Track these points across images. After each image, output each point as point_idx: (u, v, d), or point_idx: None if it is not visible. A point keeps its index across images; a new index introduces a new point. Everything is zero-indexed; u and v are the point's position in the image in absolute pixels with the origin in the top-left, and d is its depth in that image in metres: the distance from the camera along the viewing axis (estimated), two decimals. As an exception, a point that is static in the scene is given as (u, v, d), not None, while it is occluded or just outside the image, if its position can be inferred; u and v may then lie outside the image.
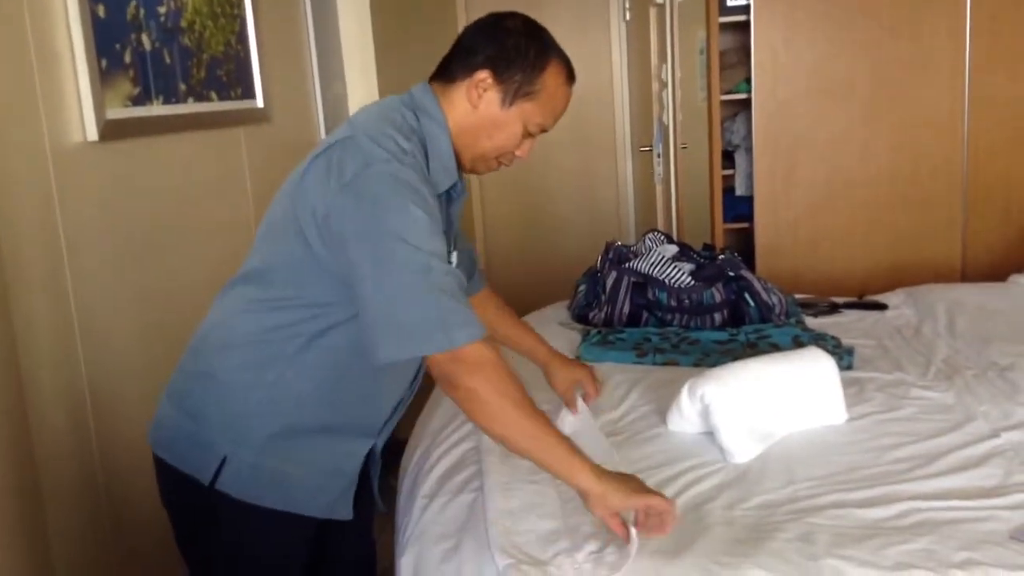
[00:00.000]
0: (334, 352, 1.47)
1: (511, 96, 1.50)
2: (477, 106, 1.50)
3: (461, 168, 1.57)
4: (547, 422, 1.39)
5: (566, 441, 1.39)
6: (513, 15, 1.54)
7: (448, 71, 1.53)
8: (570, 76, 1.55)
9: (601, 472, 1.38)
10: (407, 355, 1.37)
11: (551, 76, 1.51)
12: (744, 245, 3.77)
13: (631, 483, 1.39)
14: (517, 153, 1.56)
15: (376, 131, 1.43)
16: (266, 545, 1.53)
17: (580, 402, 1.92)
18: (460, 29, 1.58)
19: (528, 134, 1.54)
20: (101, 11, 2.05)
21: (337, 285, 1.42)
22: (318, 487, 1.53)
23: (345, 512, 1.57)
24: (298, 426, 1.49)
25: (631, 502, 1.36)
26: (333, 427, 1.52)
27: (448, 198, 1.55)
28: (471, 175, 1.62)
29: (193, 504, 1.52)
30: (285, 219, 1.45)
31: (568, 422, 1.89)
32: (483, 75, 1.49)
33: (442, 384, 1.38)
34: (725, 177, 3.88)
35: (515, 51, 1.49)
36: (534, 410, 1.37)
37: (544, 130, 1.55)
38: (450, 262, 1.58)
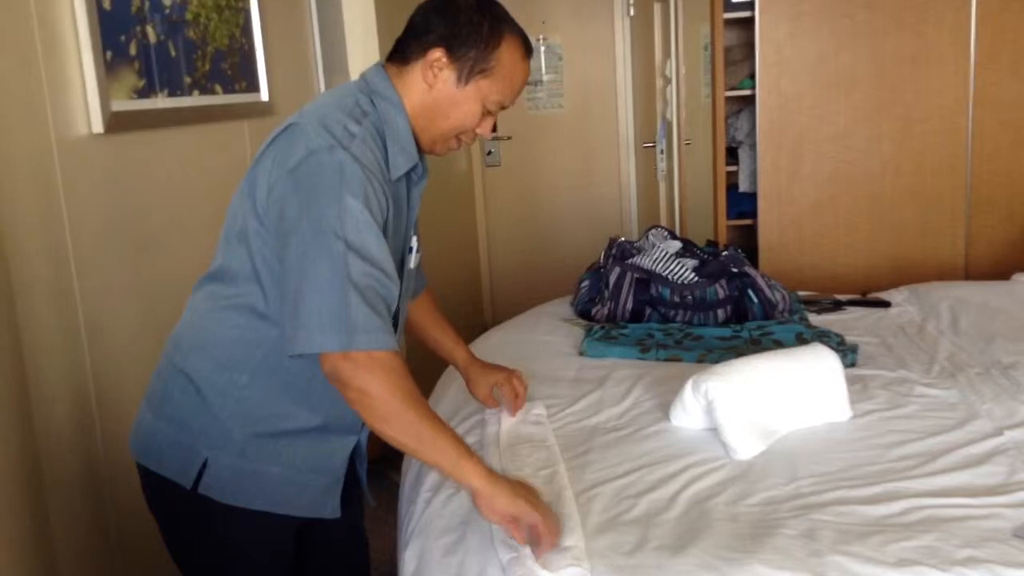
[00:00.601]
0: None
1: (466, 74, 1.47)
2: (433, 85, 1.48)
3: (420, 150, 1.54)
4: (440, 423, 1.39)
5: (459, 443, 1.39)
6: None
7: (402, 52, 1.50)
8: (527, 50, 1.52)
9: (493, 475, 1.38)
10: (309, 349, 1.33)
11: (506, 51, 1.48)
12: (747, 242, 3.77)
13: (521, 490, 1.40)
14: (477, 131, 1.53)
15: (326, 116, 1.41)
16: (254, 545, 1.52)
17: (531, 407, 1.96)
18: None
19: (487, 112, 1.51)
20: (106, 3, 2.05)
21: None
22: (301, 486, 1.51)
23: (332, 510, 1.56)
24: (277, 427, 1.48)
25: (515, 507, 1.37)
26: (313, 426, 1.50)
27: (408, 180, 1.53)
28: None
29: (178, 509, 1.51)
30: (242, 214, 1.44)
31: (493, 426, 1.91)
32: (437, 54, 1.46)
33: (332, 382, 1.35)
34: (729, 173, 3.88)
35: (468, 27, 1.46)
36: (427, 411, 1.37)
37: (503, 107, 1.52)
38: (411, 247, 1.57)
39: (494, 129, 5.26)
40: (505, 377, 1.92)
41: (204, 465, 1.45)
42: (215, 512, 1.47)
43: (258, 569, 1.55)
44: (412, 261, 1.60)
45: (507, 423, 1.91)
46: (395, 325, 1.49)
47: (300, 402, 1.48)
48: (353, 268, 1.32)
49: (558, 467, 1.72)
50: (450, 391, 2.21)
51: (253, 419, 1.46)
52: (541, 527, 1.38)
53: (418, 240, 1.62)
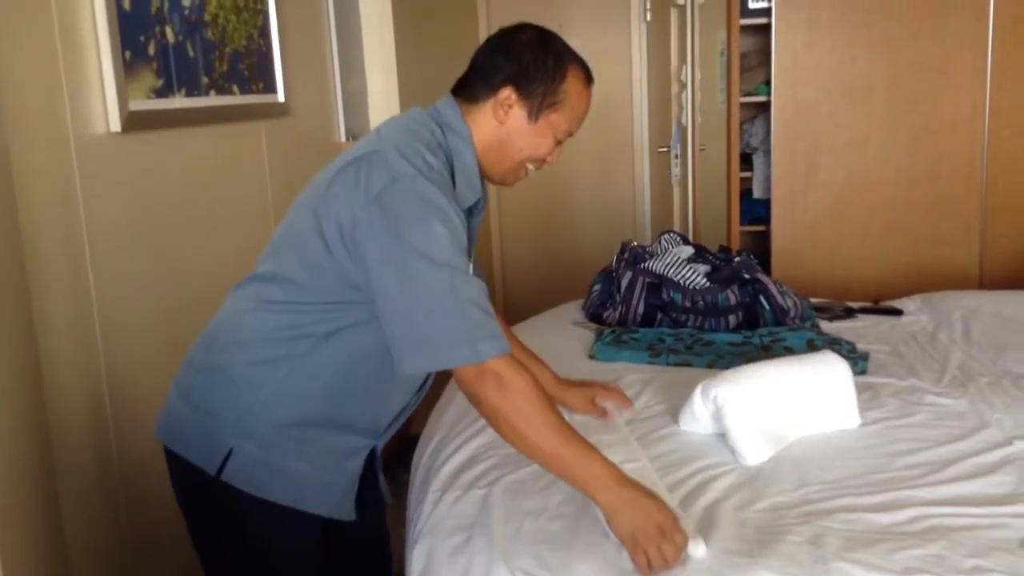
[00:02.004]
0: (345, 352, 1.48)
1: (536, 110, 1.52)
2: (504, 123, 1.52)
3: (491, 181, 1.59)
4: (572, 435, 1.40)
5: (590, 454, 1.40)
6: (523, 27, 1.55)
7: (469, 91, 1.54)
8: (588, 79, 1.57)
9: (621, 490, 1.39)
10: (434, 367, 1.40)
11: (572, 83, 1.53)
12: (760, 248, 3.77)
13: (651, 508, 1.38)
14: (548, 160, 1.58)
15: (404, 145, 1.44)
16: (274, 539, 1.55)
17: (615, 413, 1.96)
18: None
19: (557, 142, 1.56)
20: (126, 3, 2.07)
21: (353, 290, 1.44)
22: (323, 485, 1.54)
23: (348, 512, 1.59)
24: (303, 420, 1.50)
25: (636, 529, 1.36)
26: (337, 423, 1.53)
27: (469, 212, 1.56)
28: (493, 187, 1.63)
29: (202, 494, 1.53)
30: (307, 228, 1.46)
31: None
32: (506, 93, 1.50)
33: (468, 398, 1.42)
34: (743, 180, 3.88)
35: (534, 65, 1.50)
36: (559, 423, 1.39)
37: (571, 135, 1.57)
38: None
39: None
40: (601, 387, 1.94)
41: (229, 453, 1.48)
42: (239, 502, 1.50)
43: (278, 563, 1.57)
44: None
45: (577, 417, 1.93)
46: None
47: (331, 401, 1.51)
48: (457, 282, 1.38)
49: (643, 461, 1.73)
50: (458, 396, 2.22)
51: (282, 413, 1.49)
52: (658, 555, 1.35)
53: (475, 267, 1.65)
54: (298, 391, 1.49)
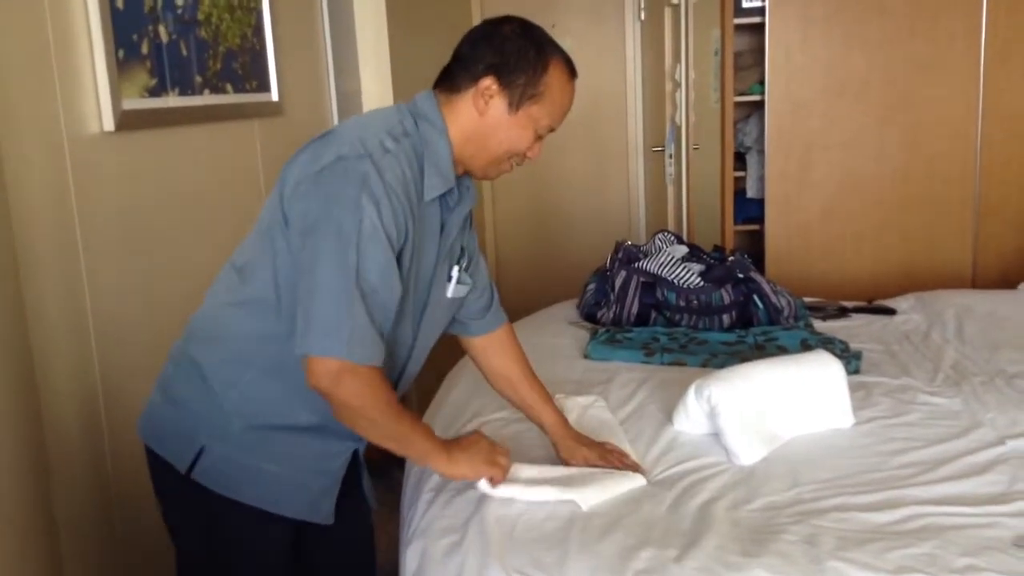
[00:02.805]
0: None
1: (517, 100, 1.50)
2: (484, 113, 1.50)
3: (472, 175, 1.58)
4: (413, 421, 1.52)
5: (427, 436, 1.55)
6: (508, 19, 1.53)
7: (451, 81, 1.53)
8: (572, 73, 1.55)
9: (450, 454, 1.56)
10: (311, 351, 1.36)
11: (554, 76, 1.51)
12: (754, 247, 3.77)
13: (474, 450, 1.59)
14: (528, 155, 1.56)
15: (362, 130, 1.45)
16: (245, 540, 1.54)
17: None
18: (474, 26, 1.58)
19: (538, 136, 1.54)
20: (119, 2, 2.06)
21: None
22: (298, 486, 1.53)
23: (326, 515, 1.56)
24: (275, 424, 1.50)
25: (474, 472, 1.59)
26: (311, 427, 1.51)
27: (443, 204, 1.55)
28: (483, 182, 1.63)
29: (176, 491, 1.53)
30: (270, 211, 1.48)
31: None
32: (487, 82, 1.49)
33: (313, 386, 1.39)
34: (737, 179, 3.88)
35: (516, 55, 1.49)
36: (400, 414, 1.46)
37: (552, 130, 1.55)
38: (450, 276, 1.60)
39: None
40: (600, 455, 1.76)
41: (200, 452, 1.48)
42: (209, 500, 1.49)
43: (247, 561, 1.56)
44: (450, 290, 1.61)
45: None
46: (412, 346, 1.57)
47: (304, 402, 1.48)
48: (361, 277, 1.36)
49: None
50: (453, 393, 2.23)
51: (255, 414, 1.49)
52: (500, 472, 1.60)
53: (462, 270, 1.63)
54: (270, 391, 1.48)
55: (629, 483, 1.67)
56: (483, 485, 1.60)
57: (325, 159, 1.40)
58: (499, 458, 1.62)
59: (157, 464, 1.55)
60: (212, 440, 1.48)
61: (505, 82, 1.49)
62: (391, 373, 1.57)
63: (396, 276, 1.41)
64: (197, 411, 1.50)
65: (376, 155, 1.40)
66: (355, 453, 1.60)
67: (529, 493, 1.62)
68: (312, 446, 1.53)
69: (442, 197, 1.53)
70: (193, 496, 1.50)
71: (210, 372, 1.49)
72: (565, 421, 1.82)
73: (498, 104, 1.50)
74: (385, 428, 1.46)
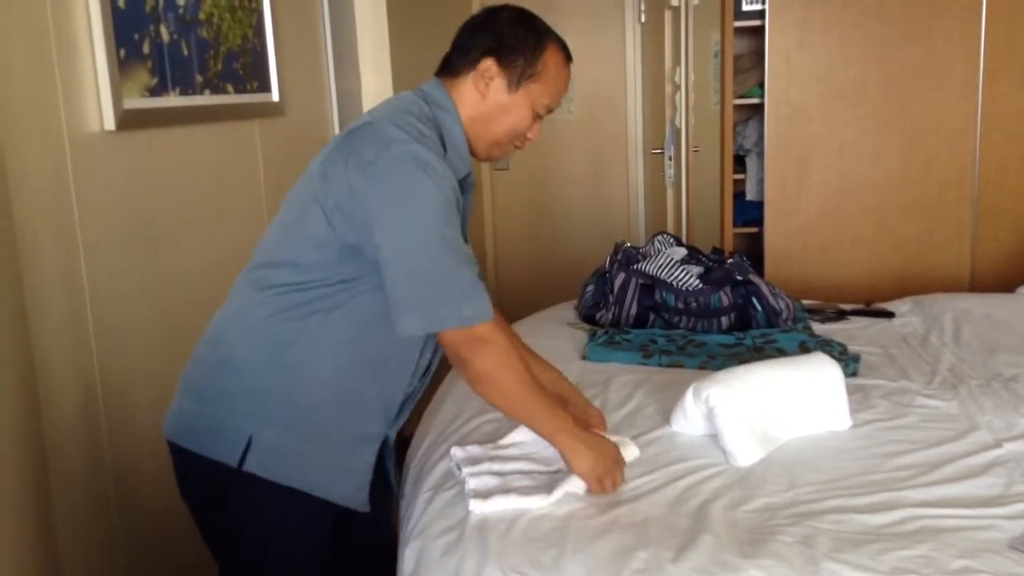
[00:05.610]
0: (352, 326, 1.51)
1: (516, 80, 1.57)
2: (485, 95, 1.57)
3: (477, 157, 1.63)
4: (543, 396, 1.57)
5: (556, 409, 1.59)
6: (506, 7, 1.61)
7: (452, 67, 1.60)
8: (567, 56, 1.63)
9: (580, 437, 1.59)
10: (424, 330, 1.45)
11: (551, 57, 1.59)
12: (753, 249, 3.78)
13: (598, 451, 1.60)
14: (528, 135, 1.63)
15: (396, 118, 1.50)
16: (291, 527, 1.57)
17: None
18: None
19: (536, 115, 1.61)
20: (121, 2, 2.07)
21: (358, 263, 1.48)
22: (338, 471, 1.57)
23: (363, 503, 1.61)
24: (318, 402, 1.53)
25: (594, 473, 1.60)
26: (351, 403, 1.56)
27: (461, 188, 1.59)
28: (482, 165, 1.69)
29: (218, 491, 1.55)
30: (307, 208, 1.50)
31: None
32: (487, 64, 1.56)
33: (453, 362, 1.48)
34: (736, 181, 3.88)
35: (514, 38, 1.56)
36: (535, 387, 1.54)
37: (550, 110, 1.62)
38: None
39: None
40: (599, 421, 1.85)
41: (249, 443, 1.50)
42: (257, 490, 1.52)
43: (294, 554, 1.58)
44: None
45: None
46: None
47: (342, 378, 1.54)
48: (451, 246, 1.43)
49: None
50: (450, 398, 2.23)
51: (297, 395, 1.52)
52: (612, 486, 1.62)
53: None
54: (310, 371, 1.52)
55: (624, 455, 1.71)
56: (474, 505, 1.58)
57: (372, 150, 1.44)
58: (618, 471, 1.63)
59: (193, 465, 1.56)
60: (260, 427, 1.51)
61: (504, 63, 1.56)
62: (428, 357, 1.65)
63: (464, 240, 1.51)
64: (239, 403, 1.52)
65: (418, 138, 1.46)
66: (385, 442, 1.64)
67: (522, 503, 1.60)
68: (352, 427, 1.58)
69: (461, 180, 1.58)
70: (236, 489, 1.52)
71: (248, 362, 1.53)
72: (565, 379, 1.90)
73: (498, 85, 1.57)
74: (519, 401, 1.53)
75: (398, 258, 1.43)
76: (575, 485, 1.62)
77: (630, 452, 1.73)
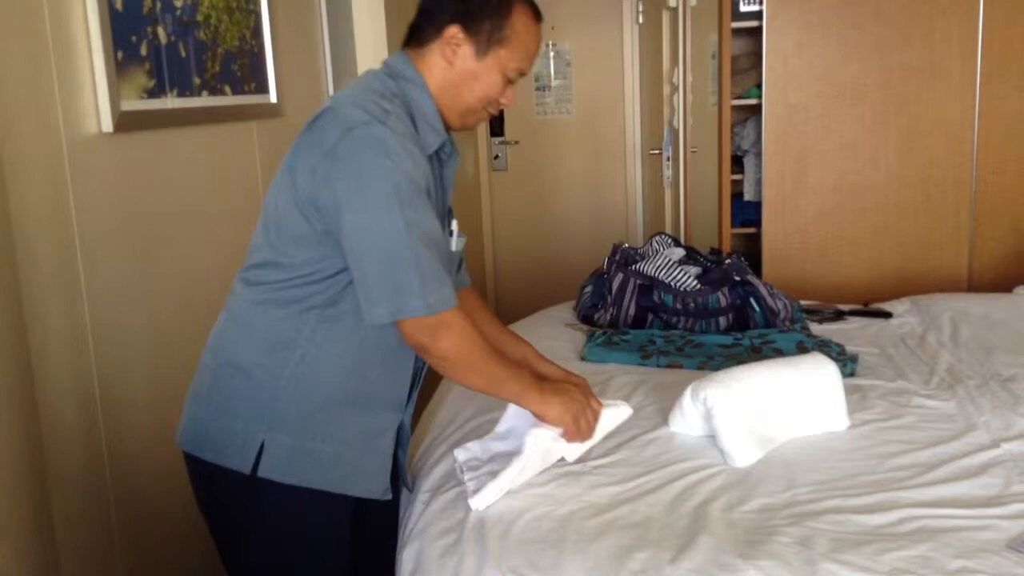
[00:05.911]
0: (350, 319, 1.50)
1: (484, 46, 1.53)
2: (453, 62, 1.53)
3: (451, 127, 1.59)
4: (507, 364, 1.57)
5: (520, 375, 1.59)
6: None
7: (417, 35, 1.56)
8: (537, 16, 1.58)
9: (544, 393, 1.59)
10: (390, 319, 1.42)
11: (519, 18, 1.53)
12: (751, 250, 3.78)
13: (567, 396, 1.61)
14: (502, 101, 1.59)
15: (356, 98, 1.47)
16: (310, 527, 1.56)
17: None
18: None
19: (508, 80, 1.57)
20: (118, 3, 2.07)
21: (341, 253, 1.46)
22: (356, 465, 1.56)
23: (384, 491, 1.61)
24: (328, 401, 1.52)
25: (564, 419, 1.60)
26: (362, 399, 1.55)
27: (439, 161, 1.57)
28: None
29: (234, 498, 1.54)
30: (281, 205, 1.49)
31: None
32: (453, 31, 1.52)
33: (413, 348, 1.46)
34: (734, 182, 3.89)
35: (479, 1, 1.51)
36: (495, 357, 1.53)
37: (523, 74, 1.58)
38: (451, 231, 1.62)
39: (501, 119, 5.27)
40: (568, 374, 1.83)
41: (262, 448, 1.49)
42: (274, 495, 1.51)
43: (314, 553, 1.58)
44: (453, 244, 1.64)
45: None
46: None
47: (349, 375, 1.53)
48: (413, 231, 1.39)
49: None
50: (448, 398, 2.23)
51: (306, 397, 1.51)
52: (587, 422, 1.64)
53: (457, 224, 1.66)
54: (317, 370, 1.51)
55: (615, 418, 1.74)
56: (474, 502, 1.60)
57: (333, 135, 1.41)
58: (590, 411, 1.65)
59: (207, 474, 1.55)
60: (271, 432, 1.50)
61: (471, 29, 1.52)
62: None
63: (437, 220, 1.46)
64: (250, 409, 1.51)
65: (380, 116, 1.43)
66: (400, 428, 1.64)
67: (519, 477, 1.63)
68: (363, 421, 1.57)
69: (436, 152, 1.56)
70: (252, 495, 1.52)
71: (253, 367, 1.51)
72: (541, 356, 1.86)
73: (466, 52, 1.53)
74: (483, 374, 1.51)
75: (361, 246, 1.40)
76: (545, 437, 1.63)
77: (623, 412, 1.76)
